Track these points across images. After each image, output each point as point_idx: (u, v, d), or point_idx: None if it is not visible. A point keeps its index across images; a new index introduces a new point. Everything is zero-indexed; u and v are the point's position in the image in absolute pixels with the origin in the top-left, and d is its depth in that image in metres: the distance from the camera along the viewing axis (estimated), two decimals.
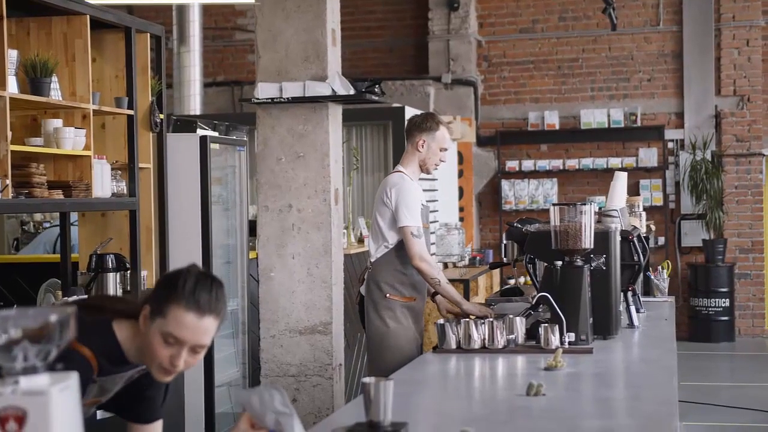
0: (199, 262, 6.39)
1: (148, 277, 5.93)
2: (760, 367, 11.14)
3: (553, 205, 4.53)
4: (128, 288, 5.71)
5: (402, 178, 5.28)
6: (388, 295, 5.26)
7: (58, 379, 1.82)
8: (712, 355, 11.73)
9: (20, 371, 1.80)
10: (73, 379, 1.84)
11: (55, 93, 5.01)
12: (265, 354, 5.77)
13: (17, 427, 1.76)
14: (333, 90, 6.11)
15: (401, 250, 5.22)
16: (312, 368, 5.80)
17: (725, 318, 12.31)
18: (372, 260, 5.39)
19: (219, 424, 6.54)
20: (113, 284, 5.51)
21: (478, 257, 11.63)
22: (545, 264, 4.62)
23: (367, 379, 2.77)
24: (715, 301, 12.27)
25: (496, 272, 11.52)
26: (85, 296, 5.14)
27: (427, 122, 5.37)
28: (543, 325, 4.29)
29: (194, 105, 10.68)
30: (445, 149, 5.41)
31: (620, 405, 3.31)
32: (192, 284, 2.60)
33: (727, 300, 12.29)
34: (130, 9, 12.69)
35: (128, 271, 5.67)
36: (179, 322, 2.58)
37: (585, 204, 4.49)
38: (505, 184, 12.97)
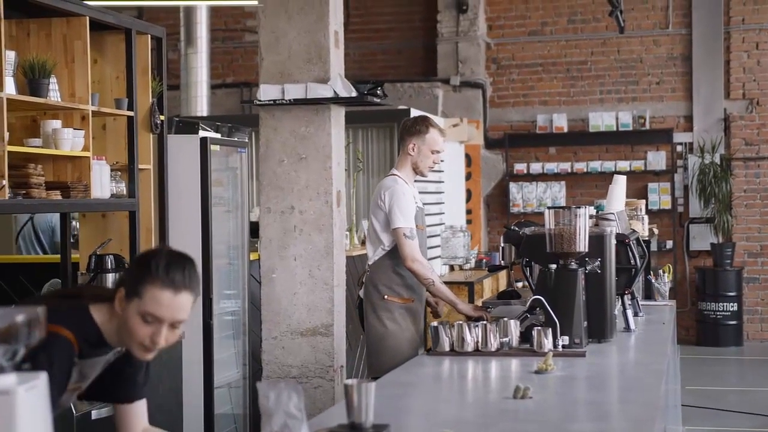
0: (200, 264, 6.38)
1: None
2: (767, 371, 11.09)
3: (548, 208, 4.54)
4: None
5: (395, 182, 5.34)
6: (386, 296, 5.30)
7: (24, 379, 1.83)
8: (719, 360, 11.69)
9: None
10: (41, 379, 1.85)
11: (54, 94, 5.03)
12: (267, 355, 5.78)
13: None
14: (335, 92, 6.12)
15: (398, 252, 5.25)
16: (313, 370, 5.81)
17: (733, 322, 12.27)
18: (369, 263, 5.43)
19: (218, 426, 6.55)
20: (112, 285, 5.53)
21: (485, 260, 11.62)
22: (540, 267, 4.62)
23: (349, 381, 2.79)
24: (723, 305, 12.23)
25: (503, 275, 11.50)
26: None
27: (416, 126, 5.43)
28: (536, 328, 4.29)
29: (201, 106, 10.71)
30: (437, 152, 5.43)
31: (604, 408, 3.31)
32: (165, 263, 2.70)
33: (735, 304, 12.25)
34: (139, 11, 12.75)
35: None
36: (156, 300, 2.68)
37: (580, 207, 4.49)
38: (513, 187, 12.96)
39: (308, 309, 6.05)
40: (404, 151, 5.45)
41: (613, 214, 5.19)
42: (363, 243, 8.11)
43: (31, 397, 1.81)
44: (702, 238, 12.60)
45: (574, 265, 4.46)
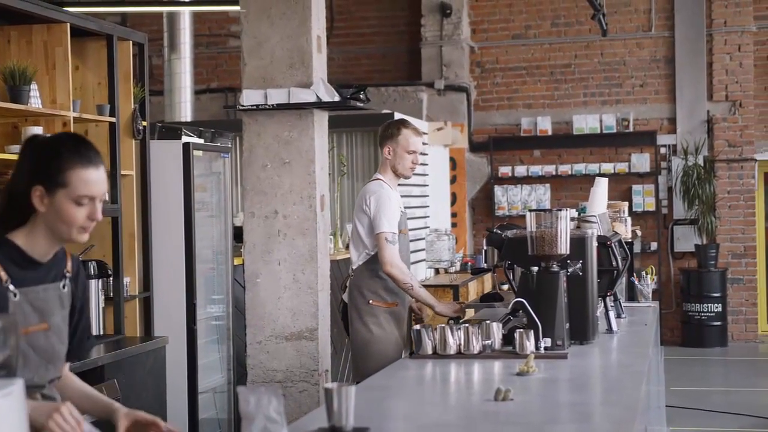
0: (183, 269, 6.41)
1: (131, 284, 5.95)
2: (752, 371, 11.14)
3: (530, 210, 4.55)
4: (111, 295, 5.72)
5: (381, 186, 5.37)
6: (371, 301, 5.32)
7: (1, 386, 1.83)
8: (704, 360, 11.73)
9: None
10: (17, 385, 1.86)
11: (35, 101, 5.03)
12: (252, 360, 5.78)
13: None
14: (317, 97, 6.13)
15: None
16: (298, 374, 5.81)
17: (718, 323, 12.32)
18: (353, 267, 5.44)
19: (203, 431, 6.55)
20: (95, 291, 5.52)
21: (470, 263, 11.64)
22: (522, 269, 4.63)
23: (328, 385, 2.80)
24: (708, 306, 12.27)
25: (488, 277, 11.53)
26: None
27: (388, 129, 5.50)
28: (518, 330, 4.30)
29: (185, 112, 10.71)
30: (413, 152, 5.47)
31: (584, 410, 3.32)
32: (74, 146, 2.74)
33: (720, 305, 12.30)
34: (123, 17, 12.74)
35: (110, 278, 5.69)
36: (85, 181, 2.72)
37: (561, 210, 4.50)
38: (498, 190, 12.99)
39: (293, 313, 6.05)
40: (383, 155, 5.50)
41: (594, 216, 5.21)
42: (347, 247, 8.11)
43: (7, 404, 1.82)
44: (686, 240, 12.65)
45: (555, 268, 4.47)
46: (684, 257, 12.76)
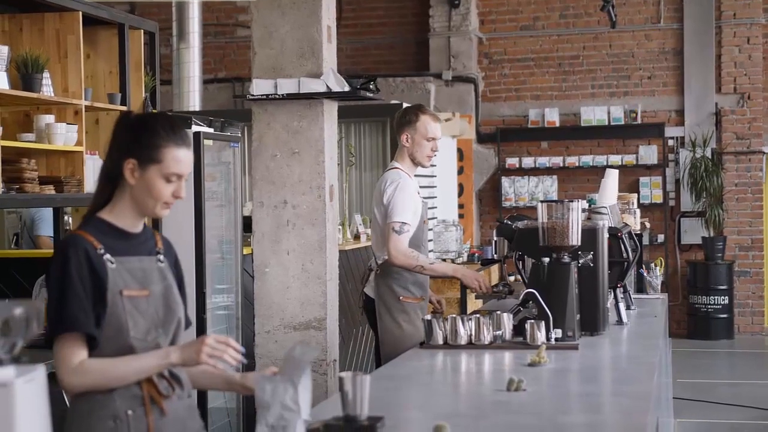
0: (192, 258, 6.41)
1: None
2: (758, 364, 11.15)
3: (541, 201, 4.55)
4: None
5: (399, 175, 5.28)
6: (401, 297, 5.24)
7: (23, 372, 1.84)
8: (710, 353, 11.74)
9: None
10: (39, 371, 1.86)
11: (47, 89, 5.04)
12: (260, 349, 5.79)
13: None
14: (327, 87, 6.13)
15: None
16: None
17: (724, 315, 12.32)
18: (379, 261, 5.34)
19: (212, 419, 6.56)
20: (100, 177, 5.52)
21: (477, 254, 11.64)
22: (533, 261, 4.63)
23: (343, 374, 2.80)
24: (715, 299, 12.27)
25: (495, 269, 11.53)
26: None
27: (406, 116, 5.37)
28: (529, 321, 4.30)
29: (193, 101, 10.70)
30: (432, 138, 5.34)
31: (597, 400, 3.33)
32: (170, 125, 2.86)
33: (727, 297, 12.30)
34: (131, 6, 12.74)
35: None
36: (178, 160, 2.83)
37: (573, 201, 4.50)
38: (505, 182, 12.98)
39: (301, 303, 6.05)
40: (400, 143, 5.40)
41: (605, 207, 5.21)
42: (356, 237, 8.12)
43: (30, 390, 1.82)
44: (693, 232, 12.64)
45: (566, 259, 4.47)
46: (691, 249, 12.75)
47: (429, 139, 5.33)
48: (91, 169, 5.33)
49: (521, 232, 4.78)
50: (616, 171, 5.74)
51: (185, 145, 2.87)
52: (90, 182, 5.32)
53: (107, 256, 2.80)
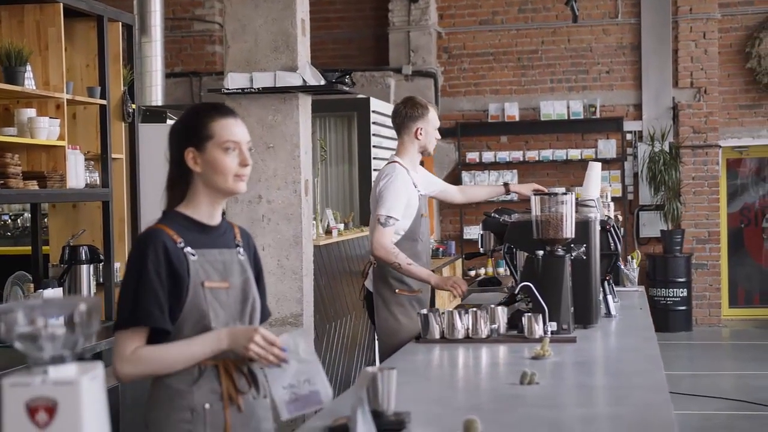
0: None
1: (122, 268, 5.86)
2: (716, 355, 11.29)
3: (535, 194, 4.55)
4: (101, 280, 5.64)
5: (394, 168, 5.26)
6: (397, 290, 5.22)
7: (86, 369, 1.79)
8: (670, 345, 11.84)
9: (48, 361, 1.78)
10: (99, 368, 1.82)
11: (29, 82, 4.93)
12: None
13: (47, 417, 1.73)
14: (304, 80, 6.08)
15: (406, 242, 5.19)
16: None
17: (683, 308, 12.46)
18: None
19: None
20: (86, 276, 5.44)
21: (441, 249, 11.67)
22: (526, 254, 4.63)
23: (371, 369, 2.77)
24: (673, 291, 12.41)
25: (458, 263, 11.56)
26: None
27: (417, 110, 5.39)
28: (526, 314, 4.30)
29: (156, 96, 10.57)
30: (437, 127, 5.51)
31: (614, 393, 3.33)
32: (207, 107, 2.94)
33: (685, 290, 12.44)
34: None
35: (101, 263, 5.61)
36: (226, 128, 2.88)
37: (566, 194, 4.51)
38: (465, 176, 13.01)
39: (277, 299, 6.01)
40: (409, 137, 5.38)
41: (592, 200, 5.23)
42: (327, 232, 8.07)
43: (94, 387, 1.78)
44: (652, 225, 12.77)
45: (560, 252, 4.48)
46: (649, 242, 12.88)
47: (436, 128, 5.51)
48: (73, 163, 5.23)
49: (513, 225, 4.78)
50: (599, 164, 5.77)
51: (230, 115, 2.92)
52: (72, 177, 5.22)
53: (188, 249, 2.82)
